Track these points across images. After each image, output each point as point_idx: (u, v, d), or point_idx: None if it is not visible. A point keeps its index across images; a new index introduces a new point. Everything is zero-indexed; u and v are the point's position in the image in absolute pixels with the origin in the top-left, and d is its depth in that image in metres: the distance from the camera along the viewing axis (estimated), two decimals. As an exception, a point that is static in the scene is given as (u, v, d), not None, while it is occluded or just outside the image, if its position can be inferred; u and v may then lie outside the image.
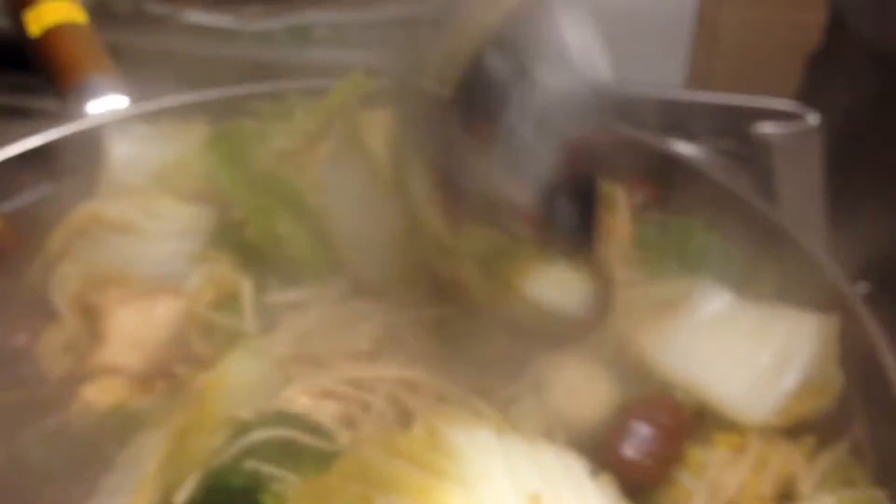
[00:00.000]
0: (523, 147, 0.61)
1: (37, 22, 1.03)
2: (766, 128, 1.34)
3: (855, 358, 0.70)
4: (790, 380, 0.68)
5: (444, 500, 0.57)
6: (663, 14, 1.50)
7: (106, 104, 0.94)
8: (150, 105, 0.93)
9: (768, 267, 0.82)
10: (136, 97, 0.95)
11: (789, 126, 1.35)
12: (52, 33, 1.02)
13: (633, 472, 0.65)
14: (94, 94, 0.95)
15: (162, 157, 0.90)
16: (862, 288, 0.90)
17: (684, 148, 1.30)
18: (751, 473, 0.65)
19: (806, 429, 0.69)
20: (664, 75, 1.49)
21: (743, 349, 0.71)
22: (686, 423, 0.68)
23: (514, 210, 0.66)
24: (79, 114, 0.95)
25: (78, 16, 1.05)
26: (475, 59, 0.62)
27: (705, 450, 0.67)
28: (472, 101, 0.63)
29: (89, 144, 0.91)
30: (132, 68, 1.02)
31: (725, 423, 0.69)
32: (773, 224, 0.85)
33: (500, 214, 0.67)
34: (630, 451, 0.66)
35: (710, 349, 0.71)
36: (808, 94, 1.34)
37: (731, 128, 1.33)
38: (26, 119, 1.11)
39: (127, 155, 0.89)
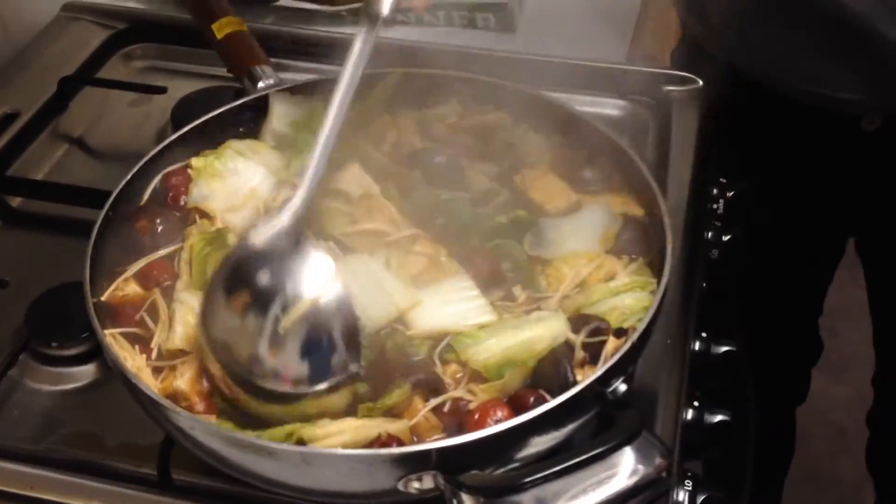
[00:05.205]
0: None
1: (219, 31, 1.66)
2: (670, 89, 1.90)
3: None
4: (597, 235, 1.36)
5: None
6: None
7: (267, 83, 1.61)
8: (294, 83, 1.59)
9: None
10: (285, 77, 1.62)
11: (686, 89, 1.93)
12: (229, 37, 1.65)
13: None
14: (260, 77, 1.61)
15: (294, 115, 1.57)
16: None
17: (616, 104, 1.94)
18: (594, 268, 1.30)
19: (622, 252, 1.35)
20: (610, 52, 2.13)
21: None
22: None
23: None
24: (253, 89, 1.60)
25: (243, 26, 1.70)
26: None
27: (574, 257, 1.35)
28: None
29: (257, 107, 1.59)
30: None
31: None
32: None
33: None
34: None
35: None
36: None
37: (650, 89, 1.90)
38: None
39: (278, 112, 1.56)
